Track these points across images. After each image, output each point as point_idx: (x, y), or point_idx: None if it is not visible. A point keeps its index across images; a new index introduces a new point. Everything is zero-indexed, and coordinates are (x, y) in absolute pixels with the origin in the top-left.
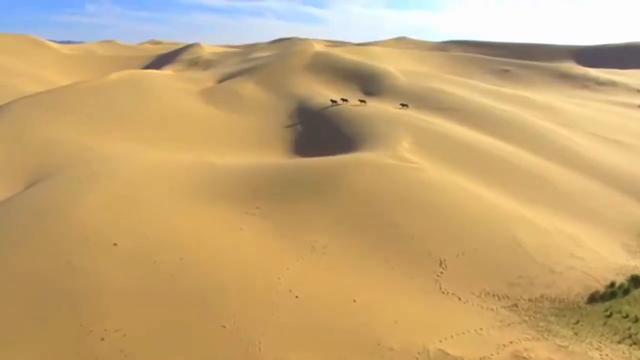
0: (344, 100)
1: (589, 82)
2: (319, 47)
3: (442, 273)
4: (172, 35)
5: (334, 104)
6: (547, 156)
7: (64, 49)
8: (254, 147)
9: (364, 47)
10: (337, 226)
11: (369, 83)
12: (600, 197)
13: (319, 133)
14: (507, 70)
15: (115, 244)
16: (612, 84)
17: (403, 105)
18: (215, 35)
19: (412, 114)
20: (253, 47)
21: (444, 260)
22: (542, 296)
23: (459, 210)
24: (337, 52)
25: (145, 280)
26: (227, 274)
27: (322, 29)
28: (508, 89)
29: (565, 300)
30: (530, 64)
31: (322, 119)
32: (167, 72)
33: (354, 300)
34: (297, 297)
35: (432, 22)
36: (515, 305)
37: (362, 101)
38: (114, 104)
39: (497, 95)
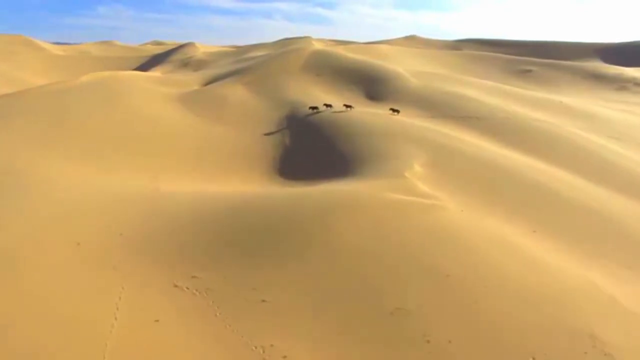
0: (327, 105)
1: (626, 83)
2: (319, 46)
3: None
4: (183, 37)
5: (314, 111)
6: (605, 184)
7: (57, 49)
8: (227, 167)
9: (370, 46)
10: (308, 315)
11: (373, 86)
12: None
13: (309, 148)
14: (529, 71)
15: None
16: None
17: (394, 110)
18: (222, 37)
19: (425, 125)
20: (251, 47)
21: None
22: None
23: (500, 281)
24: (339, 50)
25: None
26: None
27: (331, 29)
28: (535, 92)
29: None
30: (554, 63)
31: (314, 130)
32: (152, 74)
33: None
34: None
35: (443, 22)
36: None
37: (347, 106)
38: (71, 111)
39: (525, 100)
